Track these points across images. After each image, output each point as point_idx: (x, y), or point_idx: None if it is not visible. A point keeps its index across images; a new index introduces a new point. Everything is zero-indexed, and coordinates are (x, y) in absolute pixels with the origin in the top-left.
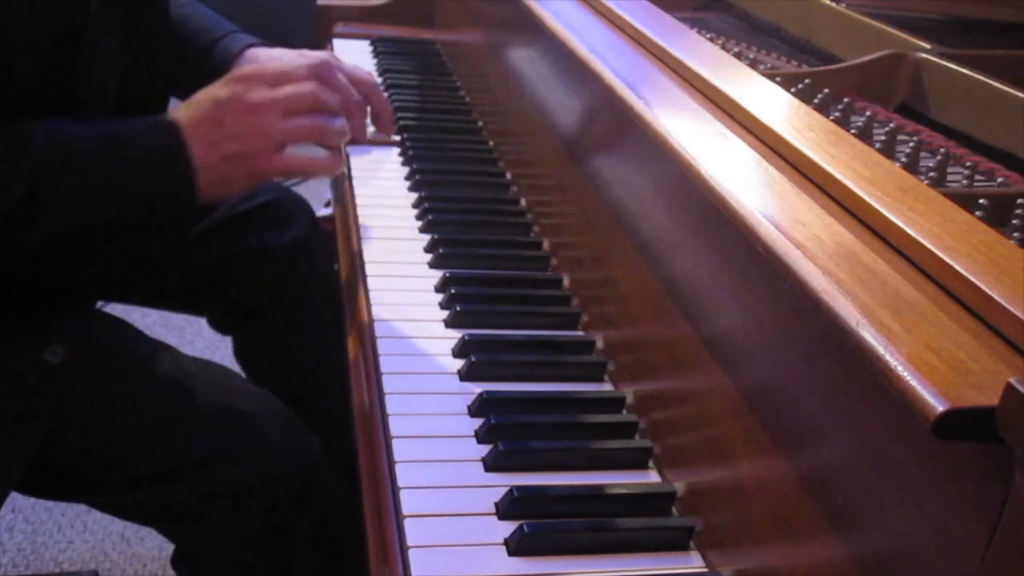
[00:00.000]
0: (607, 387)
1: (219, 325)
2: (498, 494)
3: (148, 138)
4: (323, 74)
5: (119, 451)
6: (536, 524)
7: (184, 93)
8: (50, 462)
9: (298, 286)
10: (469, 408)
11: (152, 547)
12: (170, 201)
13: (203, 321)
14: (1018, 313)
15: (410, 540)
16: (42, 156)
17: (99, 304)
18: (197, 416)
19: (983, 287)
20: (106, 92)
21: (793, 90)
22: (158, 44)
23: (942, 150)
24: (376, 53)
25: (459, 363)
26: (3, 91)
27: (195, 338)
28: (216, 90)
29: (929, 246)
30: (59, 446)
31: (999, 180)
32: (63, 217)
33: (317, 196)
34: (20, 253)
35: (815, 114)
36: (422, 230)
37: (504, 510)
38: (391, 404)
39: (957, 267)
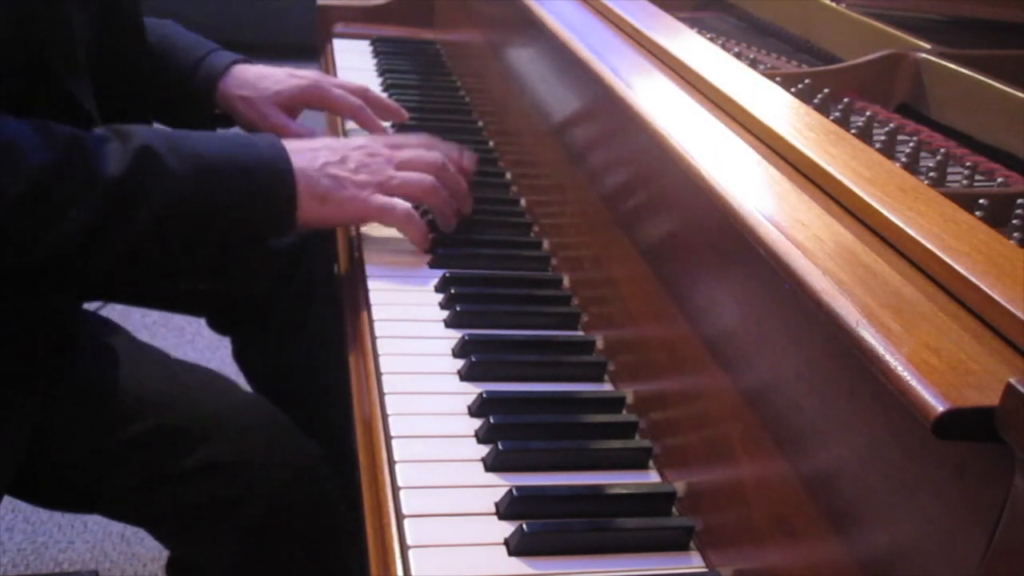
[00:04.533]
0: (607, 387)
1: (218, 325)
2: (498, 494)
3: (248, 137)
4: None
5: (110, 460)
6: (536, 524)
7: (170, 116)
8: (42, 471)
9: (298, 287)
10: (469, 408)
11: (152, 547)
12: (269, 191)
13: (203, 321)
14: (1018, 313)
15: (410, 540)
16: (146, 138)
17: (98, 304)
18: (189, 425)
19: (983, 287)
20: (76, 62)
21: (793, 90)
22: (128, 12)
23: (942, 150)
24: (376, 53)
25: (459, 363)
26: None
27: (195, 338)
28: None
29: (929, 246)
30: (49, 454)
31: (999, 180)
32: (165, 197)
33: None
34: (118, 244)
35: (815, 114)
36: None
37: (504, 510)
38: (391, 404)
39: (957, 267)
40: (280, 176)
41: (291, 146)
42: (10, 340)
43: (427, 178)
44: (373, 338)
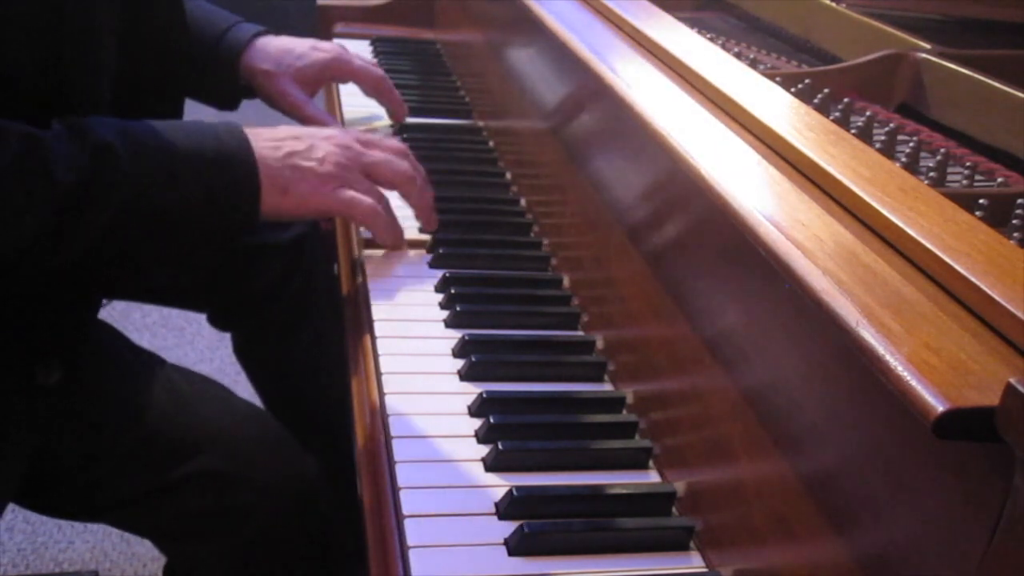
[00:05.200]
0: (607, 387)
1: (219, 321)
2: (498, 494)
3: (210, 126)
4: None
5: (108, 469)
6: (536, 524)
7: (194, 89)
8: (41, 479)
9: (298, 283)
10: (469, 408)
11: (152, 547)
12: (231, 185)
13: (203, 321)
14: (1018, 313)
15: (410, 540)
16: (103, 134)
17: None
18: (188, 436)
19: (983, 287)
20: (100, 91)
21: (793, 90)
22: (165, 38)
23: (942, 150)
24: (376, 53)
25: (459, 363)
26: None
27: (195, 338)
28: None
29: (929, 246)
30: (49, 463)
31: (999, 180)
32: (123, 197)
33: None
34: (79, 243)
35: (815, 114)
36: (422, 230)
37: (504, 510)
38: (391, 404)
39: (957, 267)
40: (243, 168)
41: (255, 135)
42: (17, 349)
43: (401, 163)
44: (373, 338)
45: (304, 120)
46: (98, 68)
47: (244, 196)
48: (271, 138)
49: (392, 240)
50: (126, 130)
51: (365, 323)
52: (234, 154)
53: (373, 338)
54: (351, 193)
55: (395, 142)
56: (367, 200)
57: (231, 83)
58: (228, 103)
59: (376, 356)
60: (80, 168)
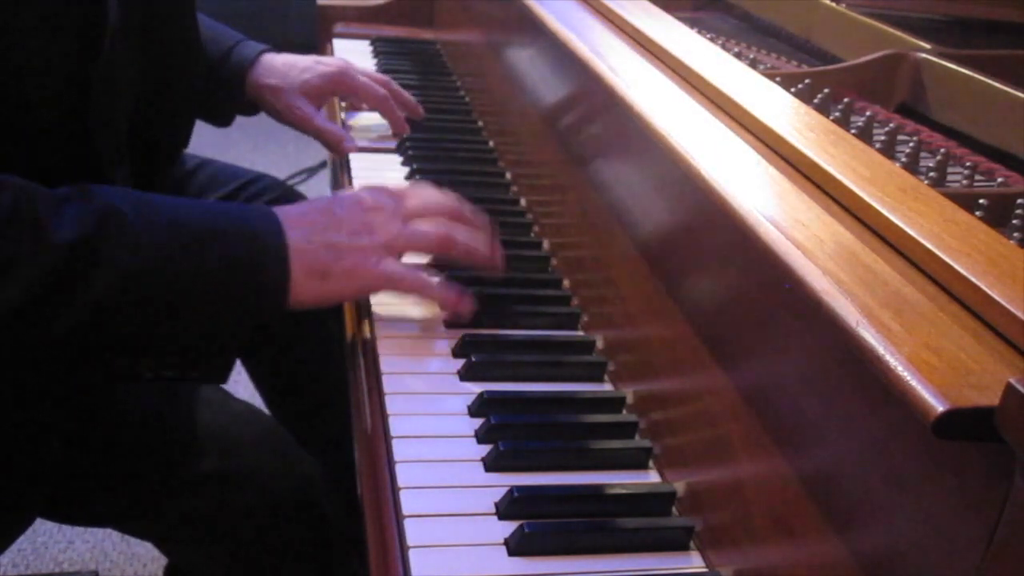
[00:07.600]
0: (607, 387)
1: None
2: (498, 494)
3: (234, 208)
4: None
5: (109, 477)
6: (536, 524)
7: (200, 107)
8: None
9: None
10: (469, 408)
11: (152, 547)
12: (254, 268)
13: None
14: (1018, 313)
15: (410, 540)
16: (113, 199)
17: None
18: (187, 440)
19: (983, 287)
20: (119, 116)
21: (793, 90)
22: (179, 63)
23: (942, 150)
24: (376, 53)
25: (459, 363)
26: (11, 113)
27: None
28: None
29: (929, 246)
30: (49, 470)
31: (999, 180)
32: (127, 265)
33: (316, 194)
34: (83, 306)
35: (815, 114)
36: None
37: (504, 510)
38: (391, 404)
39: (957, 267)
40: (270, 249)
41: (284, 216)
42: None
43: (438, 229)
44: (373, 338)
45: (313, 132)
46: (117, 93)
47: (271, 279)
48: (300, 216)
49: (453, 298)
50: (139, 199)
51: (365, 323)
52: (258, 231)
53: (373, 338)
54: (391, 267)
55: (428, 186)
56: (410, 273)
57: (234, 100)
58: (225, 120)
59: (376, 356)
60: (81, 229)
